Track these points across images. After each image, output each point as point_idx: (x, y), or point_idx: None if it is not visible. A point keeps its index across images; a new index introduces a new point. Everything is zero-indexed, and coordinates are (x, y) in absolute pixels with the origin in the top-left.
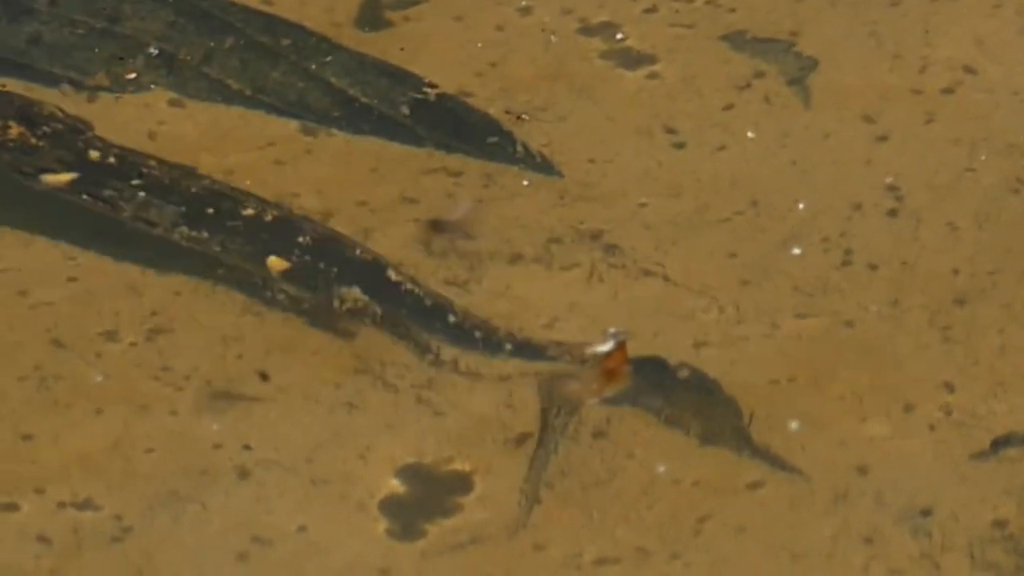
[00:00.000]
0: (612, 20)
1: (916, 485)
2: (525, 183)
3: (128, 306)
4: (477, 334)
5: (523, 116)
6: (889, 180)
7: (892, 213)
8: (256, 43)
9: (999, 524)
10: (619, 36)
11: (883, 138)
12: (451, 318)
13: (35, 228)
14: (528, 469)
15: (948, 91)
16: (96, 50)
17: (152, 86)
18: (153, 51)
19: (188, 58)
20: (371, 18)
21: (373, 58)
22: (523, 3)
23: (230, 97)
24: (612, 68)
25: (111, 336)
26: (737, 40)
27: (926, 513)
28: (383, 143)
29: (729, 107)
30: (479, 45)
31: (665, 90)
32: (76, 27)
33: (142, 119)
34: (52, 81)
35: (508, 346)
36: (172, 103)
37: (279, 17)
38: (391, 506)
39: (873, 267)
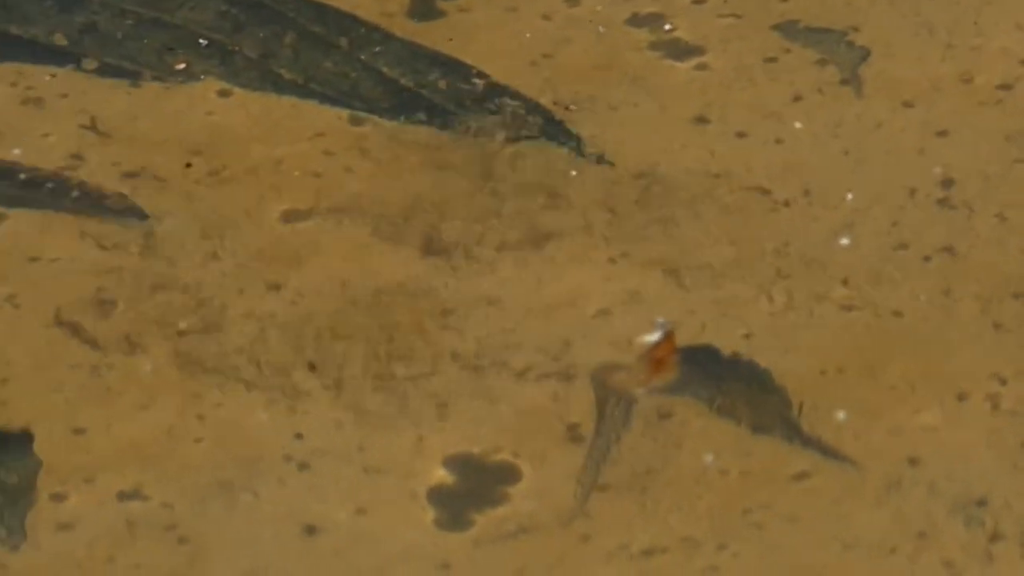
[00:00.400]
0: (661, 11)
1: (969, 475)
2: (574, 173)
3: (179, 297)
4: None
5: (571, 107)
6: (941, 170)
7: (944, 203)
8: (309, 33)
9: None
10: (668, 27)
11: (935, 128)
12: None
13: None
14: (585, 459)
15: (1000, 82)
16: (147, 40)
17: (203, 76)
18: (203, 42)
19: (240, 48)
20: (423, 8)
21: (425, 48)
22: None
23: (282, 87)
24: (661, 59)
25: (162, 327)
26: (789, 30)
27: (980, 503)
28: (433, 132)
29: (781, 97)
30: (528, 35)
31: (717, 80)
32: (127, 17)
33: (192, 109)
34: (105, 71)
35: (74, 194)
36: (222, 93)
37: (332, 7)
38: (441, 495)
39: (925, 257)
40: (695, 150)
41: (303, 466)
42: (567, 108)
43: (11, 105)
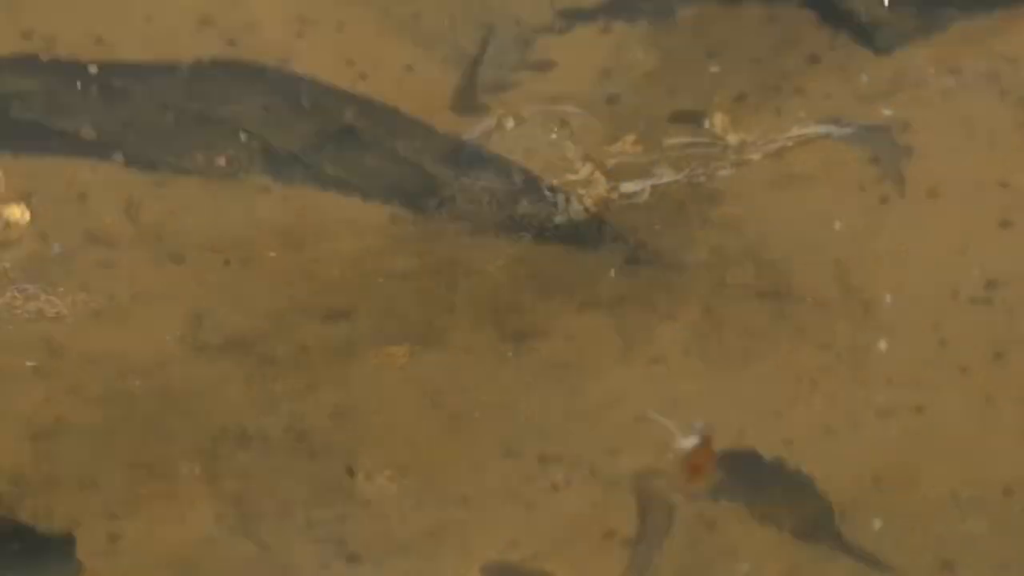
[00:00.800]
0: (701, 110)
1: None
2: (612, 274)
3: (216, 393)
4: None
5: (613, 193)
6: (983, 272)
7: (986, 305)
8: (351, 128)
9: None
10: (707, 125)
11: (977, 228)
12: None
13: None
14: (628, 566)
15: None
16: (188, 134)
17: (244, 172)
18: (244, 136)
19: (282, 143)
20: (466, 102)
21: (467, 143)
22: (612, 91)
23: (324, 183)
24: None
25: (195, 430)
26: (832, 127)
27: None
28: (475, 230)
29: (823, 194)
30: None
31: (765, 177)
32: (169, 110)
33: (232, 204)
34: (145, 165)
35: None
36: (263, 189)
37: (375, 101)
38: None
39: (966, 361)
40: (732, 251)
41: (346, 570)
42: (608, 206)
43: (51, 199)
